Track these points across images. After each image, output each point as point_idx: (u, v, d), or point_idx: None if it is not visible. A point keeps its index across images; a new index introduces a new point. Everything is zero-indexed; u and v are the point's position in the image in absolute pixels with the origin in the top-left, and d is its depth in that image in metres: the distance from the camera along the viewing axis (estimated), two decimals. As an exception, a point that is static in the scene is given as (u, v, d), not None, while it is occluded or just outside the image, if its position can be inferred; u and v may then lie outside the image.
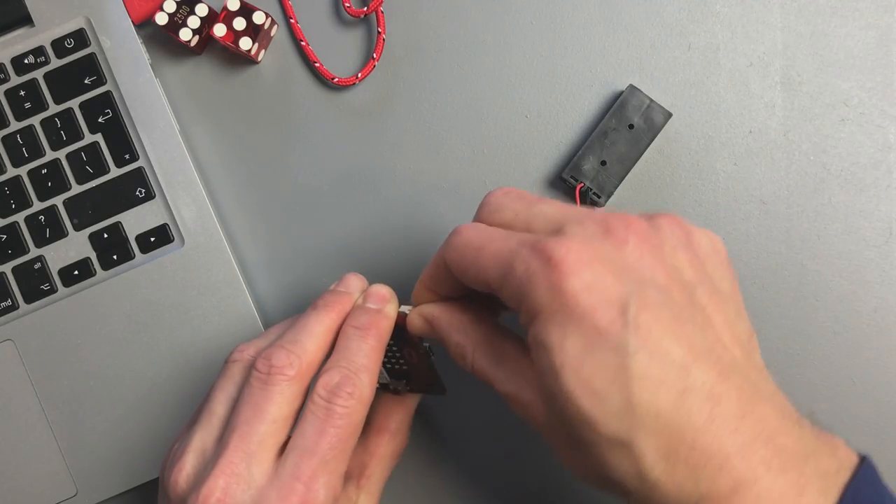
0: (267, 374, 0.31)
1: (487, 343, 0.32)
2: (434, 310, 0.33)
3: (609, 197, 0.39)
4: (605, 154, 0.39)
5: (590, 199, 0.39)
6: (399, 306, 0.34)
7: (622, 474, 0.27)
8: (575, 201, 0.39)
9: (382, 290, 0.34)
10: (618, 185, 0.39)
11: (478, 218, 0.32)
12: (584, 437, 0.27)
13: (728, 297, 0.29)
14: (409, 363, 0.35)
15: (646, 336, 0.26)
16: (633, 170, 0.40)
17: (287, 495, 0.29)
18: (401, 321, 0.34)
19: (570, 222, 0.29)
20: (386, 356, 0.34)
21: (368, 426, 0.36)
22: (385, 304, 0.34)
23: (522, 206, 0.31)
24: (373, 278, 0.40)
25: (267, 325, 0.40)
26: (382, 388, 0.36)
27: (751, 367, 0.28)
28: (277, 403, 0.30)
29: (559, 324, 0.27)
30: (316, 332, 0.32)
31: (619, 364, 0.26)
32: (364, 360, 0.32)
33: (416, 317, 0.34)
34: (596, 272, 0.27)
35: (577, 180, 0.39)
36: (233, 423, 0.31)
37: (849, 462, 0.27)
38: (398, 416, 0.36)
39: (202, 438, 0.31)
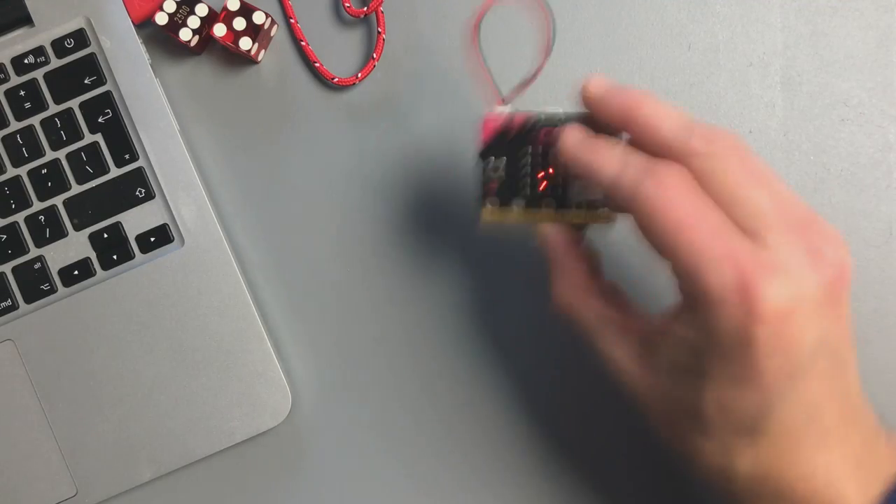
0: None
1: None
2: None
3: None
4: None
5: None
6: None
7: (708, 466, 0.29)
8: None
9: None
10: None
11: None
12: (692, 438, 0.29)
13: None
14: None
15: (797, 400, 0.27)
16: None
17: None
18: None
19: (780, 243, 0.27)
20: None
21: None
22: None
23: (732, 175, 0.28)
24: (374, 277, 0.41)
25: (266, 324, 0.40)
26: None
27: (859, 402, 0.30)
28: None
29: (727, 367, 0.27)
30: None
31: (764, 415, 0.27)
32: None
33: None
34: (790, 339, 0.26)
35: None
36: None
37: None
38: None
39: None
